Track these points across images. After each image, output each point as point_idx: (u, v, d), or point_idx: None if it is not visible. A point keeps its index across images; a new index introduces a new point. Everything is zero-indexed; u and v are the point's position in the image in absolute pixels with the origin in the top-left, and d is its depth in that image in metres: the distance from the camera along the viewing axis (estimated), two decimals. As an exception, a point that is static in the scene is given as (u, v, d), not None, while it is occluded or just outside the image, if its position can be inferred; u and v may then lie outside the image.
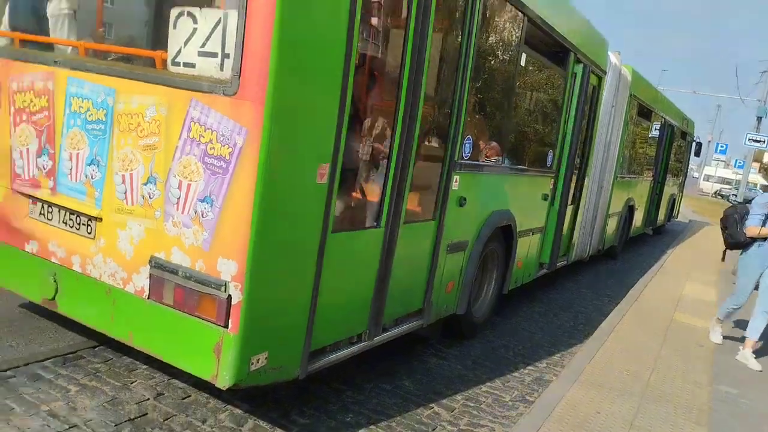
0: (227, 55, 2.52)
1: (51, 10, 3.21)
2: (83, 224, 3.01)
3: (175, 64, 2.67)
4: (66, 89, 3.00)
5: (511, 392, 4.14)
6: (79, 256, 3.01)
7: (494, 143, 4.74)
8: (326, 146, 2.77)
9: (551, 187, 5.98)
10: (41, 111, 3.10)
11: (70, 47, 3.23)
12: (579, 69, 6.00)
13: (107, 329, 2.98)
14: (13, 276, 3.32)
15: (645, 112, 9.90)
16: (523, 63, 4.85)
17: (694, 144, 15.44)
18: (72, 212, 3.05)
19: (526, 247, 5.67)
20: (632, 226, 10.64)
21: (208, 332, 2.61)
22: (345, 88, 2.76)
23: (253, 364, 2.65)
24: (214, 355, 2.60)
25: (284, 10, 2.39)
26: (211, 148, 2.57)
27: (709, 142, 40.05)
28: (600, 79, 6.80)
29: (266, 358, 2.71)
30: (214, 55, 2.56)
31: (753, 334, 5.19)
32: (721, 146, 30.82)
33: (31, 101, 3.12)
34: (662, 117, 11.09)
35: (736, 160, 36.06)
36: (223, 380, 2.59)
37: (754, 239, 5.23)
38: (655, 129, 11.05)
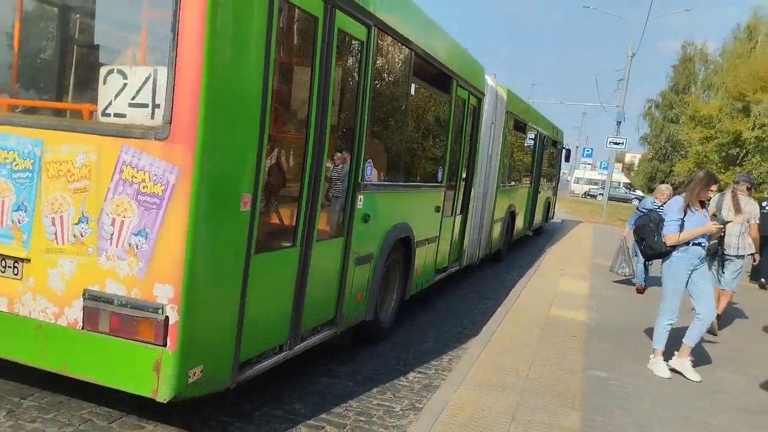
0: (158, 105, 2.82)
1: None
2: (9, 267, 3.13)
3: (106, 115, 2.93)
4: None
5: (402, 402, 4.27)
6: (6, 297, 3.12)
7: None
8: (248, 177, 3.13)
9: (442, 199, 6.66)
10: None
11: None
12: (461, 93, 6.75)
13: (39, 363, 3.10)
14: None
15: (520, 126, 11.04)
16: (413, 92, 5.46)
17: (564, 151, 17.25)
18: None
19: (423, 256, 6.28)
20: (515, 229, 11.75)
21: (146, 352, 2.87)
22: (263, 126, 3.15)
23: (190, 377, 2.94)
24: (153, 372, 2.86)
25: (211, 65, 2.75)
26: (143, 187, 2.84)
27: (577, 147, 43.92)
28: (480, 100, 7.64)
29: (201, 371, 3.01)
30: (144, 105, 2.85)
31: (689, 340, 5.15)
32: (587, 150, 33.80)
33: None
34: (535, 129, 12.38)
35: (601, 162, 39.74)
36: (164, 394, 2.86)
37: (674, 246, 5.09)
38: (530, 139, 12.32)
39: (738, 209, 6.68)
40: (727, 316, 7.50)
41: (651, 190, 64.22)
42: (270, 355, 3.72)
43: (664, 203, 7.55)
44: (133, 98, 2.88)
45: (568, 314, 6.91)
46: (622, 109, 26.39)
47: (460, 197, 7.44)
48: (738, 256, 6.78)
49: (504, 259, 11.06)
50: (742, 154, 36.02)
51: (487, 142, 8.34)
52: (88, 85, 3.00)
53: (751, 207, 6.81)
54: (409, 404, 4.27)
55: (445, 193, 6.70)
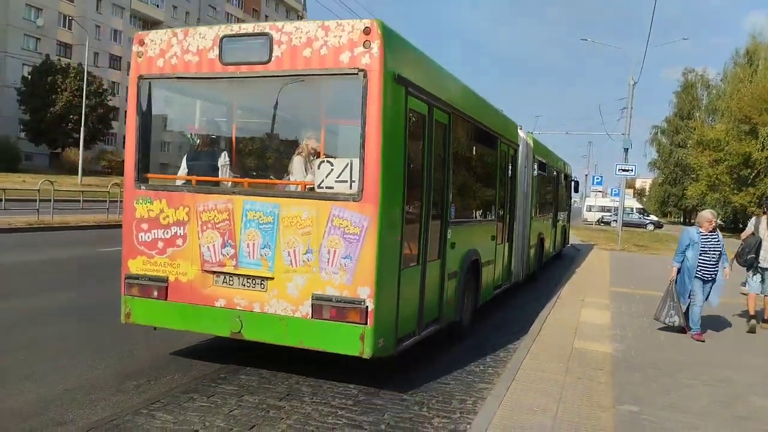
0: (354, 181, 4.80)
1: (220, 162, 5.44)
2: (258, 284, 5.07)
3: (320, 188, 4.92)
4: (243, 207, 5.09)
5: (428, 451, 4.20)
6: (258, 303, 5.04)
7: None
8: (399, 220, 5.09)
9: (495, 230, 8.58)
10: (223, 221, 5.14)
11: (230, 183, 5.42)
12: (503, 147, 8.79)
13: (283, 342, 5.00)
14: (207, 324, 5.25)
15: (542, 166, 13.03)
16: (474, 152, 7.47)
17: (573, 183, 19.43)
18: (249, 277, 5.09)
19: (486, 274, 8.15)
20: (544, 253, 13.59)
21: (354, 329, 4.75)
22: (404, 188, 5.12)
23: (379, 344, 4.82)
24: (360, 341, 4.74)
25: (383, 157, 4.73)
26: (347, 230, 4.78)
27: (586, 175, 45.33)
28: (515, 150, 9.68)
29: (383, 341, 4.89)
30: (345, 181, 4.83)
31: None
32: (597, 178, 34.77)
33: (215, 216, 5.17)
34: (552, 166, 14.39)
35: (612, 189, 40.88)
36: (367, 353, 4.73)
37: None
38: (549, 176, 14.30)
39: None
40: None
41: (665, 215, 64.44)
42: (408, 338, 5.57)
43: (711, 232, 7.56)
44: (338, 177, 4.87)
45: (593, 346, 6.84)
46: (628, 137, 27.54)
47: (506, 228, 9.36)
48: None
49: (538, 279, 12.79)
50: (753, 175, 36.84)
51: (522, 182, 10.33)
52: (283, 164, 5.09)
53: None
54: (437, 453, 4.20)
55: (496, 225, 8.64)
